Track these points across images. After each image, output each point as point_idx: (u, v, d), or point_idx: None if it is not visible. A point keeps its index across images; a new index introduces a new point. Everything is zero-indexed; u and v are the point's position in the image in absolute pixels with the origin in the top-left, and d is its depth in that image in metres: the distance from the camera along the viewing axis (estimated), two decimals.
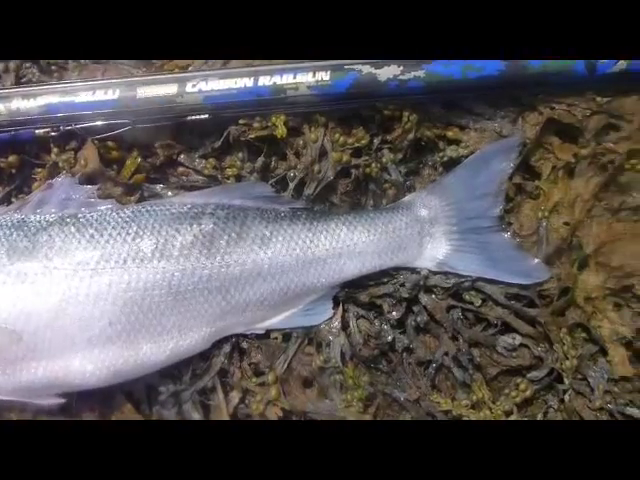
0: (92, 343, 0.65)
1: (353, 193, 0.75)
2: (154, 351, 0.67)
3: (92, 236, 0.66)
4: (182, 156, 0.74)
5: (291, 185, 0.72)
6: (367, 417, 0.72)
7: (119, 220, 0.67)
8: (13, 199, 0.73)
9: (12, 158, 0.71)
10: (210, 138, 0.73)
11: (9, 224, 0.67)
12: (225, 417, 0.72)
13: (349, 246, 0.70)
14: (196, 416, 0.72)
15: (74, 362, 0.65)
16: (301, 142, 0.72)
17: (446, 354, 0.73)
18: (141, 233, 0.66)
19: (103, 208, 0.69)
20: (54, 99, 0.68)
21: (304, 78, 0.69)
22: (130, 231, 0.66)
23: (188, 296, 0.67)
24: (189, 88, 0.68)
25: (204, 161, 0.73)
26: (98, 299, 0.64)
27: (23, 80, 0.73)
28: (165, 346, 0.68)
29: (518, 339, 0.73)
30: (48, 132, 0.69)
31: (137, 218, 0.67)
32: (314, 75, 0.69)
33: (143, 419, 0.71)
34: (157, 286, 0.66)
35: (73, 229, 0.66)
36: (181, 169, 0.74)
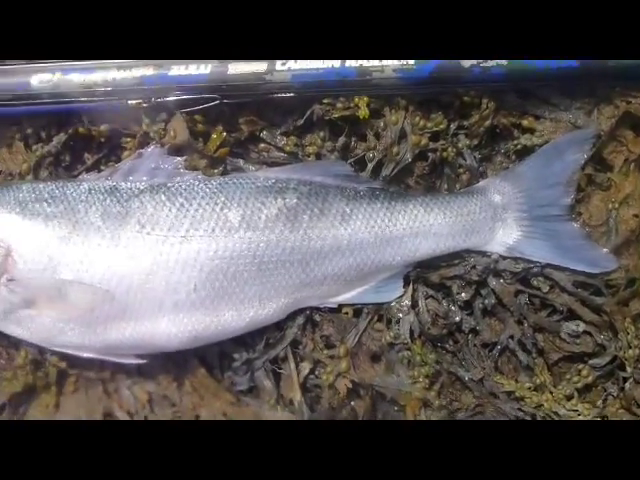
0: (178, 307, 0.68)
1: (428, 176, 0.76)
2: (234, 318, 0.70)
3: (182, 205, 0.69)
4: (264, 132, 0.76)
5: (369, 165, 0.75)
6: (432, 394, 0.74)
7: (207, 191, 0.70)
8: (102, 167, 0.75)
9: (103, 127, 0.74)
10: (292, 116, 0.75)
11: (102, 190, 0.70)
12: (296, 386, 0.74)
13: (425, 227, 0.72)
14: (267, 383, 0.75)
15: (160, 324, 0.68)
16: (381, 124, 0.74)
17: (511, 337, 0.75)
18: (228, 204, 0.69)
19: (190, 178, 0.71)
20: (148, 71, 0.70)
21: (389, 61, 0.70)
22: (218, 201, 0.69)
23: (271, 267, 0.69)
24: (279, 66, 0.70)
25: (285, 138, 0.76)
26: (186, 265, 0.67)
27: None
28: (245, 314, 0.70)
29: (582, 326, 0.75)
30: (140, 103, 0.72)
31: (224, 189, 0.70)
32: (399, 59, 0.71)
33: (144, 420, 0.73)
34: (242, 256, 0.68)
35: (163, 197, 0.69)
36: (262, 145, 0.77)
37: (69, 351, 0.71)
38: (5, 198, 0.68)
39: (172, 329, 0.69)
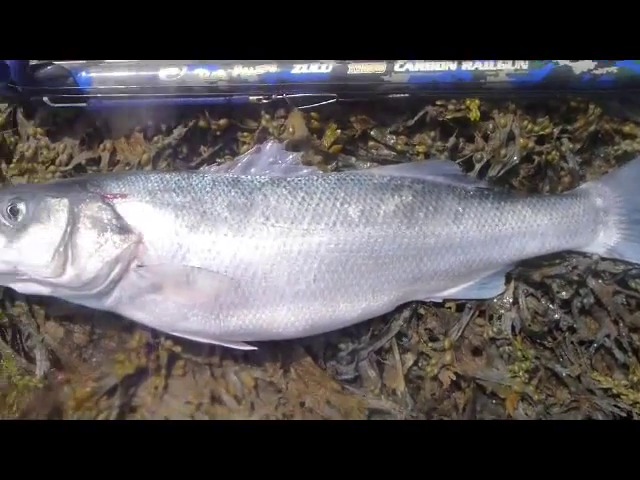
0: (298, 297, 0.71)
1: (532, 178, 0.79)
2: (348, 309, 0.73)
3: (303, 199, 0.71)
4: (374, 131, 0.78)
5: (477, 166, 0.77)
6: (530, 388, 0.76)
7: (326, 186, 0.73)
8: (217, 159, 0.78)
9: (223, 121, 0.76)
10: (402, 116, 0.78)
11: (225, 182, 0.72)
12: (400, 376, 0.77)
13: (532, 227, 0.75)
14: (372, 373, 0.78)
15: (280, 313, 0.71)
16: (490, 126, 0.76)
17: (607, 336, 0.78)
18: (348, 199, 0.72)
19: (307, 173, 0.74)
20: (272, 69, 0.73)
21: (504, 66, 0.73)
22: (338, 197, 0.72)
23: (387, 261, 0.72)
24: (397, 67, 0.73)
25: (395, 137, 0.78)
26: (308, 256, 0.70)
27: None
28: (359, 306, 0.73)
29: None
30: (260, 99, 0.75)
31: (343, 185, 0.73)
32: (513, 64, 0.73)
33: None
34: (361, 249, 0.71)
35: (285, 191, 0.72)
36: (371, 143, 0.79)
37: (187, 336, 0.74)
38: (136, 187, 0.71)
39: (290, 318, 0.71)
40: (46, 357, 0.79)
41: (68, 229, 0.69)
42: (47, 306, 0.80)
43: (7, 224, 0.70)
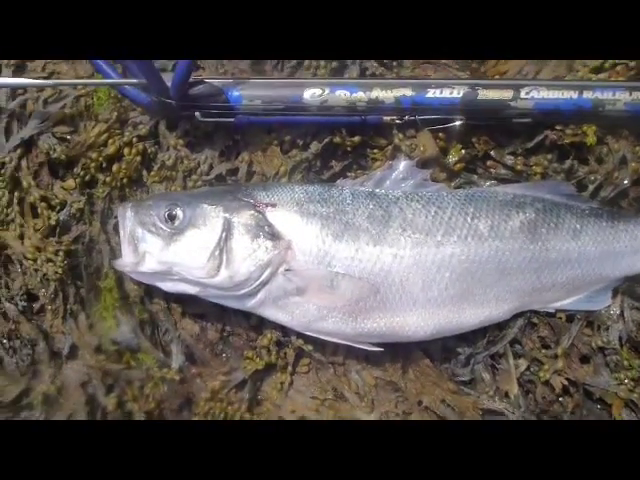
0: (429, 303, 0.77)
1: None
2: (473, 316, 0.79)
3: (436, 212, 0.78)
4: (493, 151, 0.85)
5: (590, 187, 0.83)
6: (635, 395, 0.82)
7: (456, 201, 0.79)
8: (348, 173, 0.85)
9: (356, 138, 0.83)
10: (520, 138, 0.84)
11: (363, 195, 0.79)
12: (513, 380, 0.83)
13: None
14: (486, 376, 0.84)
15: (412, 317, 0.78)
16: (604, 150, 0.83)
17: None
18: (477, 214, 0.78)
19: (435, 189, 0.80)
20: (407, 92, 0.80)
21: (622, 96, 0.79)
22: (468, 212, 0.78)
23: (512, 273, 0.78)
24: (523, 94, 0.79)
25: (513, 157, 0.84)
26: (441, 266, 0.76)
27: (367, 73, 0.85)
28: (482, 313, 0.79)
29: None
30: (394, 119, 0.81)
31: (472, 201, 0.79)
32: (630, 94, 0.79)
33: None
34: (489, 261, 0.77)
35: (419, 205, 0.78)
36: (490, 162, 0.85)
37: (320, 336, 0.80)
38: (284, 197, 0.78)
39: (421, 322, 0.78)
40: (181, 351, 0.86)
41: (223, 234, 0.76)
42: (184, 304, 0.87)
43: (164, 228, 0.77)
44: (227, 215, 0.76)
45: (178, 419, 0.86)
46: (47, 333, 0.86)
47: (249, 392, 0.85)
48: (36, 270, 0.86)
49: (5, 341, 0.86)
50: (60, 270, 0.85)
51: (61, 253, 0.85)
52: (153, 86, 0.79)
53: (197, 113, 0.81)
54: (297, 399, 0.86)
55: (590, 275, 0.81)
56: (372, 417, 0.84)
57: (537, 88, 0.79)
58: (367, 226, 0.77)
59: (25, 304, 0.86)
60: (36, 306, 0.87)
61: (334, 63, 0.84)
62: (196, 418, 0.86)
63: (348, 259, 0.76)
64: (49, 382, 0.84)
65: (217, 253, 0.76)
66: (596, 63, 0.84)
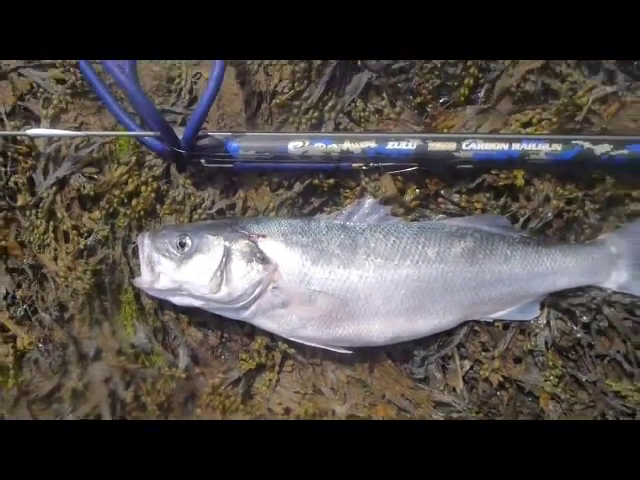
0: (388, 314, 0.96)
1: (562, 230, 1.04)
2: (424, 325, 0.98)
3: (394, 241, 0.97)
4: (443, 191, 1.04)
5: (521, 220, 1.02)
6: (558, 390, 1.00)
7: (411, 232, 0.98)
8: (325, 208, 1.04)
9: (331, 181, 1.02)
10: (465, 180, 1.03)
11: (335, 227, 0.98)
12: (459, 377, 1.01)
13: (562, 267, 1.00)
14: (438, 374, 1.02)
15: (374, 326, 0.96)
16: (531, 190, 1.02)
17: (618, 352, 1.02)
18: (427, 243, 0.97)
19: (395, 222, 0.99)
20: (372, 144, 0.99)
21: (543, 147, 0.98)
22: (420, 241, 0.97)
23: (455, 290, 0.97)
24: (464, 146, 0.99)
25: (458, 196, 1.03)
26: (398, 285, 0.95)
27: (340, 127, 1.04)
28: (431, 323, 0.98)
29: None
30: (361, 166, 1.00)
31: (423, 232, 0.98)
32: (550, 146, 0.99)
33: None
34: (437, 281, 0.96)
35: (380, 235, 0.97)
36: (440, 200, 1.05)
37: (301, 341, 0.98)
38: (272, 229, 0.96)
39: (382, 330, 0.96)
40: (187, 354, 1.03)
41: (223, 259, 0.94)
42: (190, 315, 1.05)
43: (176, 253, 0.96)
44: (227, 243, 0.95)
45: (182, 411, 1.03)
46: (76, 338, 1.02)
47: (243, 387, 1.03)
48: (67, 286, 1.02)
49: (41, 345, 1.03)
50: (87, 286, 1.01)
51: (88, 272, 1.02)
52: (166, 138, 0.97)
53: (202, 160, 1.00)
54: (283, 393, 1.04)
55: (520, 291, 1.00)
56: (344, 408, 1.02)
57: (475, 141, 0.98)
58: (338, 252, 0.95)
59: (57, 314, 1.03)
60: (67, 316, 1.03)
61: (313, 120, 1.03)
62: (198, 410, 1.03)
63: (323, 279, 0.94)
64: (77, 379, 1.01)
65: (218, 274, 0.94)
66: (525, 118, 1.03)
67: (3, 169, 1.04)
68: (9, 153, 1.04)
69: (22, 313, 1.04)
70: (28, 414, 1.02)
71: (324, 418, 1.01)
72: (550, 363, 1.01)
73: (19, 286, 1.05)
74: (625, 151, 0.98)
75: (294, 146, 0.98)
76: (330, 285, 0.94)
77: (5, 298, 1.04)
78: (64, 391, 1.01)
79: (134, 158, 1.04)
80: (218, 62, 0.89)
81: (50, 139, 1.04)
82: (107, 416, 1.00)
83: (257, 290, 0.94)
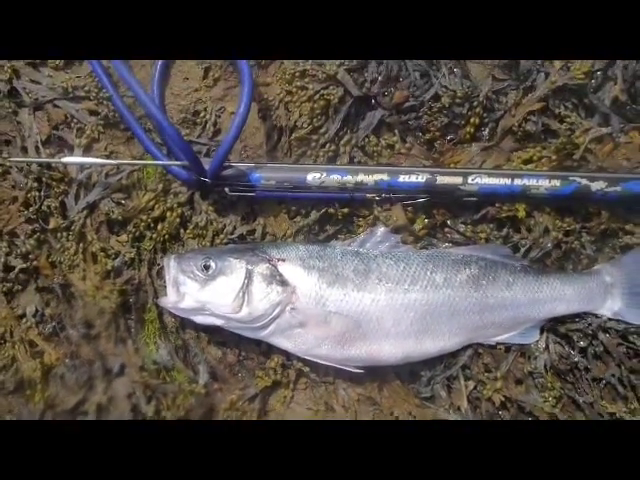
0: (399, 335, 1.02)
1: (560, 259, 1.11)
2: (431, 346, 1.04)
3: (404, 267, 1.04)
4: (450, 221, 1.11)
5: (522, 250, 1.10)
6: (557, 410, 1.06)
7: (420, 260, 1.05)
8: (340, 236, 1.11)
9: (346, 210, 1.10)
10: (470, 211, 1.11)
11: (350, 253, 1.05)
12: (463, 396, 1.07)
13: (561, 294, 1.07)
14: (443, 393, 1.08)
15: (385, 346, 1.02)
16: (532, 222, 1.10)
17: (612, 375, 1.08)
18: (435, 269, 1.04)
19: (405, 249, 1.07)
20: (384, 177, 1.06)
21: (543, 183, 1.06)
22: (428, 267, 1.04)
23: (460, 313, 1.04)
24: (470, 180, 1.06)
25: (464, 226, 1.11)
26: (408, 308, 1.02)
27: (355, 161, 1.12)
28: (438, 344, 1.04)
29: None
30: (374, 197, 1.08)
31: (431, 259, 1.05)
32: (550, 182, 1.07)
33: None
34: (444, 304, 1.03)
35: (392, 262, 1.04)
36: (446, 229, 1.12)
37: (316, 359, 1.04)
38: (290, 254, 1.03)
39: (392, 350, 1.03)
40: (207, 371, 1.08)
41: (245, 281, 1.01)
42: (210, 334, 1.10)
43: (201, 275, 1.02)
44: (249, 267, 1.02)
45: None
46: (102, 354, 1.07)
47: (259, 404, 1.08)
48: (94, 304, 1.08)
49: (67, 360, 1.09)
50: (113, 305, 1.06)
51: (115, 292, 1.07)
52: (194, 168, 1.04)
53: (226, 189, 1.07)
54: (296, 410, 1.09)
55: (521, 316, 1.07)
56: None
57: (480, 176, 1.06)
58: (352, 277, 1.02)
59: (84, 331, 1.07)
60: (93, 333, 1.08)
61: (329, 153, 1.11)
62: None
63: (338, 301, 1.01)
64: (102, 393, 1.05)
65: (240, 295, 1.01)
66: (526, 155, 1.11)
67: (37, 194, 1.10)
68: (44, 179, 1.10)
69: (50, 330, 1.09)
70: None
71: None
72: (549, 385, 1.07)
73: (48, 304, 1.10)
74: (619, 188, 1.06)
75: (312, 177, 1.06)
76: (344, 307, 1.00)
77: (34, 315, 1.09)
78: (88, 405, 1.06)
79: (160, 186, 1.11)
80: (245, 98, 0.97)
81: (82, 166, 1.11)
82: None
83: (276, 311, 1.00)
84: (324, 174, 1.06)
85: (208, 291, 1.01)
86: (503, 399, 1.06)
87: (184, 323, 1.10)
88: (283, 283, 1.01)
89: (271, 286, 1.00)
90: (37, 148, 1.12)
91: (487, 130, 1.13)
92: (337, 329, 1.00)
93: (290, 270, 1.02)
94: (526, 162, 1.11)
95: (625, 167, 1.10)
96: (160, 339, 1.09)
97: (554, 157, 1.09)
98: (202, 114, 1.14)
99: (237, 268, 1.01)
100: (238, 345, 1.10)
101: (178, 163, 1.06)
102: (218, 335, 1.10)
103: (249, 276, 1.00)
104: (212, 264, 1.01)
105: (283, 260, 1.02)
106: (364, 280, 1.02)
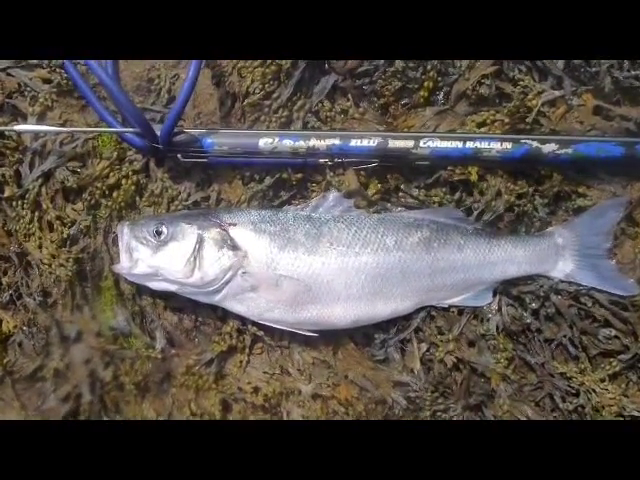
0: (349, 298, 1.03)
1: (513, 222, 1.12)
2: (383, 309, 1.05)
3: (356, 231, 1.04)
4: (403, 185, 1.12)
5: (475, 213, 1.10)
6: (509, 371, 1.08)
7: (371, 223, 1.06)
8: (293, 201, 1.11)
9: (299, 175, 1.10)
10: (423, 176, 1.11)
11: (302, 217, 1.05)
12: (416, 359, 1.09)
13: (512, 257, 1.08)
14: (397, 356, 1.09)
15: (336, 309, 1.03)
16: (484, 185, 1.10)
17: (564, 336, 1.10)
18: (386, 233, 1.05)
19: (357, 214, 1.07)
20: (336, 141, 1.06)
21: (495, 146, 1.06)
22: (379, 231, 1.05)
23: (411, 276, 1.05)
24: (421, 144, 1.06)
25: (417, 190, 1.11)
26: (359, 271, 1.03)
27: (308, 126, 1.12)
28: (390, 307, 1.05)
29: (614, 332, 1.09)
30: (326, 162, 1.08)
31: (383, 223, 1.06)
32: (501, 144, 1.07)
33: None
34: (395, 267, 1.04)
35: (343, 226, 1.05)
36: (401, 194, 1.12)
37: (269, 323, 1.05)
38: (242, 218, 1.04)
39: (343, 313, 1.04)
40: (163, 336, 1.10)
41: (196, 246, 1.01)
42: (166, 300, 1.11)
43: (153, 241, 1.03)
44: (200, 232, 1.02)
45: (159, 390, 1.10)
46: (58, 322, 1.08)
47: (215, 368, 1.09)
48: (51, 273, 1.08)
49: (25, 328, 1.09)
50: (70, 273, 1.07)
51: (71, 260, 1.08)
52: (146, 134, 1.04)
53: (179, 155, 1.07)
54: (253, 374, 1.10)
55: (472, 279, 1.07)
56: (309, 388, 1.09)
57: (432, 139, 1.06)
58: (304, 241, 1.03)
59: (41, 299, 1.08)
60: (50, 301, 1.09)
61: (282, 119, 1.10)
62: (174, 389, 1.10)
63: (289, 265, 1.02)
64: (59, 360, 1.07)
65: (192, 260, 1.01)
66: (480, 119, 1.11)
67: None
68: None
69: (7, 298, 1.10)
70: (12, 393, 1.08)
71: (290, 397, 1.07)
72: (501, 346, 1.08)
73: (5, 273, 1.11)
74: (570, 150, 1.06)
75: (264, 142, 1.06)
76: (295, 271, 1.01)
77: None
78: (46, 371, 1.08)
79: (115, 153, 1.10)
80: (194, 63, 0.97)
81: (36, 135, 1.11)
82: (87, 395, 1.07)
83: (228, 275, 1.01)
84: (276, 139, 1.06)
85: (160, 256, 1.01)
86: (455, 360, 1.08)
87: (140, 290, 1.11)
88: (234, 247, 1.01)
89: (222, 250, 1.01)
90: None
91: (441, 94, 1.13)
92: (288, 293, 1.01)
93: (241, 234, 1.02)
94: (480, 125, 1.11)
95: (578, 130, 1.10)
96: (117, 306, 1.10)
97: (507, 120, 1.09)
98: (156, 81, 1.14)
99: (188, 233, 1.02)
100: (194, 311, 1.11)
101: (131, 130, 1.05)
102: (174, 301, 1.11)
103: (200, 241, 1.01)
104: (164, 229, 1.02)
105: (234, 225, 1.03)
106: (315, 244, 1.02)
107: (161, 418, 1.08)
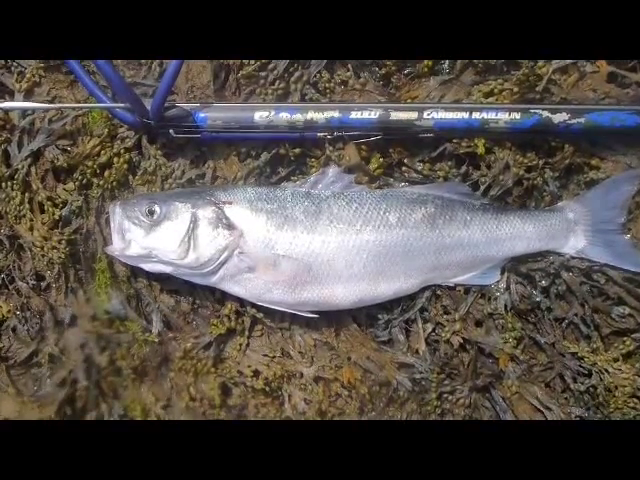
0: (351, 278, 0.99)
1: (522, 197, 1.07)
2: (386, 288, 1.01)
3: (357, 208, 1.00)
4: (406, 159, 1.07)
5: (482, 187, 1.05)
6: (517, 351, 1.04)
7: (373, 199, 1.01)
8: (292, 178, 1.07)
9: (297, 150, 1.05)
10: (427, 149, 1.06)
11: (300, 194, 1.01)
12: (421, 339, 1.05)
13: (520, 233, 1.03)
14: (401, 337, 1.06)
15: (338, 289, 0.99)
16: (492, 158, 1.05)
17: (576, 315, 1.05)
18: (389, 209, 1.00)
19: (358, 190, 1.02)
20: (335, 114, 1.01)
21: (503, 116, 1.01)
22: (381, 207, 1.00)
23: (415, 254, 1.00)
24: (425, 115, 1.01)
25: (422, 164, 1.06)
26: (360, 249, 0.98)
27: (307, 98, 1.07)
28: (393, 286, 1.01)
29: (627, 310, 1.04)
30: (325, 135, 1.03)
31: (385, 199, 1.01)
32: (509, 115, 1.01)
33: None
34: (397, 245, 0.99)
35: (344, 202, 1.00)
36: (404, 168, 1.07)
37: (269, 305, 1.02)
38: (238, 196, 0.99)
39: (345, 293, 1.00)
40: (160, 320, 1.06)
41: (191, 225, 0.97)
42: (162, 282, 1.08)
43: (145, 221, 0.99)
44: (194, 210, 0.98)
45: (156, 375, 1.07)
46: (52, 306, 1.05)
47: (214, 351, 1.06)
48: (43, 255, 1.05)
49: (18, 312, 1.06)
50: (63, 255, 1.04)
51: (63, 242, 1.04)
52: (136, 109, 1.00)
53: (171, 131, 1.03)
54: (252, 357, 1.07)
55: (479, 256, 1.03)
56: (312, 370, 1.06)
57: (436, 110, 1.01)
58: (302, 219, 0.98)
59: (34, 283, 1.06)
60: (43, 284, 1.06)
61: (279, 91, 1.05)
62: (172, 373, 1.07)
63: (287, 244, 0.98)
64: (54, 344, 1.04)
65: (186, 240, 0.97)
66: (487, 89, 1.06)
67: None
68: None
69: (0, 282, 1.07)
70: (7, 379, 1.05)
71: (292, 380, 1.04)
72: (509, 326, 1.04)
73: None
74: (582, 120, 1.01)
75: (260, 116, 1.01)
76: (294, 250, 0.97)
77: None
78: (42, 356, 1.05)
79: (106, 130, 1.06)
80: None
81: (24, 112, 1.07)
82: (83, 380, 1.03)
83: (224, 255, 0.97)
84: (272, 112, 1.01)
85: (153, 237, 0.98)
86: (462, 341, 1.04)
87: (136, 272, 1.07)
88: (230, 226, 0.97)
89: (217, 230, 0.97)
90: None
91: (446, 63, 1.07)
92: (287, 273, 0.97)
93: (237, 213, 0.98)
94: (487, 95, 1.06)
95: (591, 99, 1.05)
96: (111, 289, 1.07)
97: (516, 89, 1.04)
98: None
99: (182, 212, 0.98)
100: (192, 293, 1.08)
101: (121, 105, 1.01)
102: (171, 283, 1.07)
103: (194, 220, 0.97)
104: (157, 209, 0.98)
105: (230, 203, 0.98)
106: (314, 222, 0.98)
107: (160, 403, 1.05)
